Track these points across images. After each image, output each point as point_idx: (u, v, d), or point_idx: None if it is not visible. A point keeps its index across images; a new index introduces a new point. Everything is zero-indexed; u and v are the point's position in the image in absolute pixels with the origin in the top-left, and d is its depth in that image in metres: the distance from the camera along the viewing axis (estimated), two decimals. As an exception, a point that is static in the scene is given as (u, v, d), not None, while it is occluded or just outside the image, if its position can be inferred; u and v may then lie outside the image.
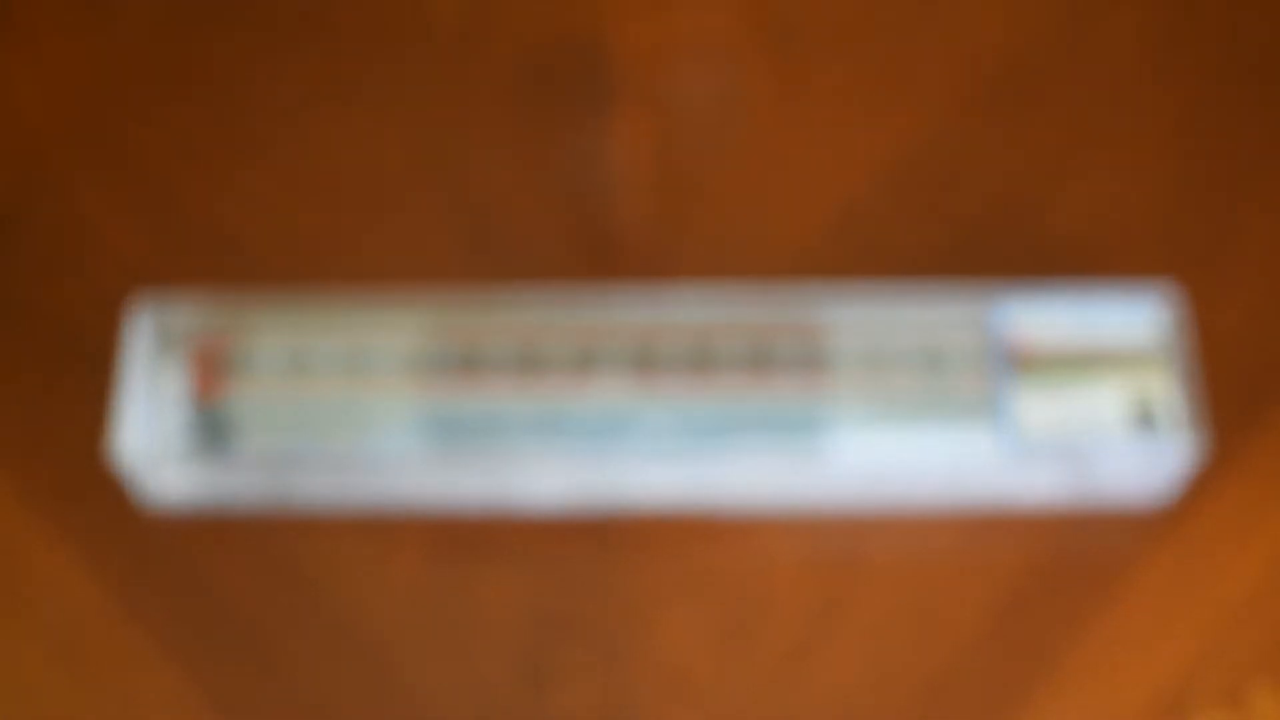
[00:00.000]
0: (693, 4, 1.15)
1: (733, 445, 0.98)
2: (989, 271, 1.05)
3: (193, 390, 0.99)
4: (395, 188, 1.09)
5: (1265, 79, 1.12)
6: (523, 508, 1.00)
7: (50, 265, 1.07)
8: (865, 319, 0.99)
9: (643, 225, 1.08)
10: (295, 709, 0.96)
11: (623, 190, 1.09)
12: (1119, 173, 1.08)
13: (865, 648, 0.96)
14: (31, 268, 1.07)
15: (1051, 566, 0.98)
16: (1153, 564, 0.98)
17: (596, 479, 0.99)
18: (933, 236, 1.07)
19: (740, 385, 0.98)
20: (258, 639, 0.97)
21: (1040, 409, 0.96)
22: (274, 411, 0.99)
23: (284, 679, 0.97)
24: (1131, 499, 0.99)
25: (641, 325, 1.00)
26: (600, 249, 1.07)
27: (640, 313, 1.00)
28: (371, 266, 1.07)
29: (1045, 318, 0.98)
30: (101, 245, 1.07)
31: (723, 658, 0.97)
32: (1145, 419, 0.96)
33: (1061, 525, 0.99)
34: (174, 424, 0.99)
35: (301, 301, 1.02)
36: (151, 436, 1.00)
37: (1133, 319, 0.98)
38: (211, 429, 0.99)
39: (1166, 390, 0.97)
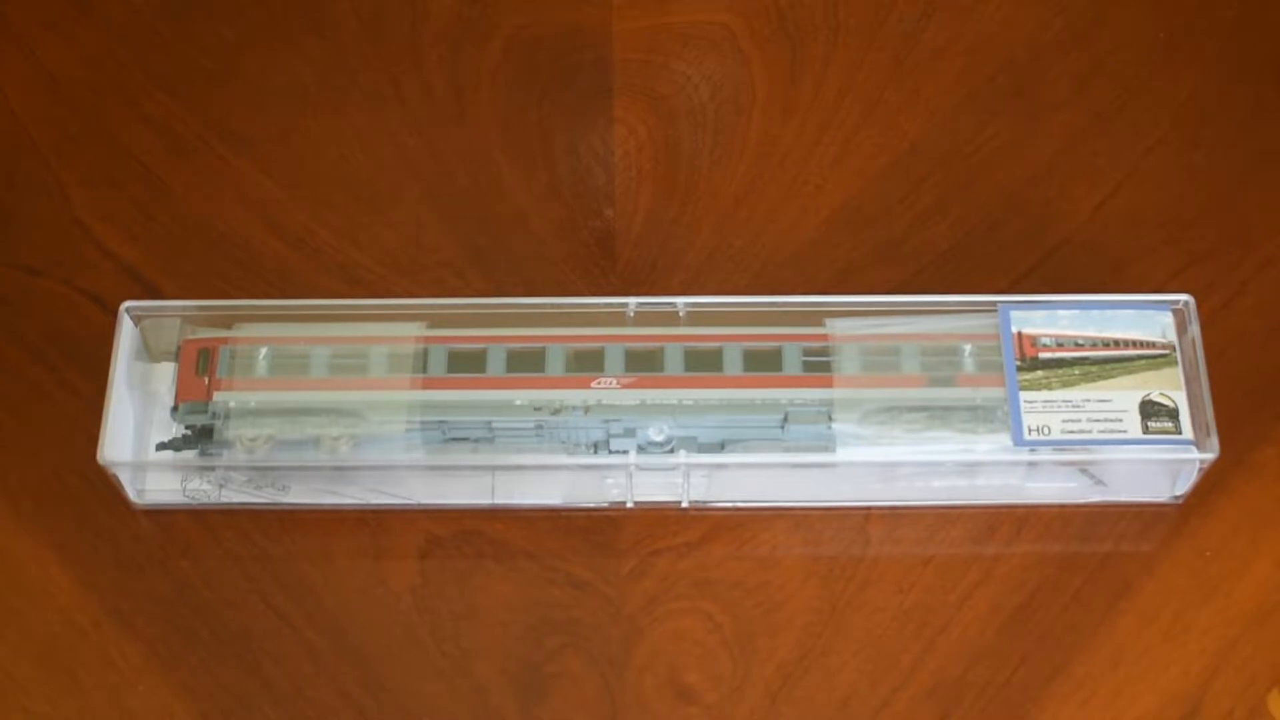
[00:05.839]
0: (694, 3, 1.15)
1: (734, 448, 0.98)
2: (998, 275, 1.05)
3: (183, 392, 0.98)
4: (390, 186, 1.08)
5: (1277, 84, 1.11)
6: (520, 509, 0.99)
7: (39, 266, 1.06)
8: (871, 321, 0.99)
9: (643, 225, 1.07)
10: (283, 718, 0.95)
11: (623, 190, 1.08)
12: (1129, 176, 1.08)
13: (872, 650, 0.96)
14: (20, 268, 1.06)
15: (1062, 569, 0.97)
16: (1163, 566, 0.97)
17: (595, 481, 0.99)
18: (939, 238, 1.06)
19: (742, 387, 0.98)
20: (246, 645, 0.96)
21: (1051, 412, 0.96)
22: (265, 414, 0.98)
23: (272, 686, 0.95)
24: (1143, 502, 0.99)
25: (642, 328, 0.99)
26: (600, 248, 1.07)
27: (640, 314, 0.99)
28: (365, 267, 1.06)
29: (1056, 322, 0.98)
30: (92, 246, 1.06)
31: (725, 662, 0.96)
32: (1156, 422, 0.96)
33: (1072, 528, 0.98)
34: (164, 427, 0.99)
35: (293, 302, 1.01)
36: (141, 439, 0.99)
37: (1144, 323, 0.98)
38: (202, 432, 0.98)
39: (1177, 393, 0.96)
